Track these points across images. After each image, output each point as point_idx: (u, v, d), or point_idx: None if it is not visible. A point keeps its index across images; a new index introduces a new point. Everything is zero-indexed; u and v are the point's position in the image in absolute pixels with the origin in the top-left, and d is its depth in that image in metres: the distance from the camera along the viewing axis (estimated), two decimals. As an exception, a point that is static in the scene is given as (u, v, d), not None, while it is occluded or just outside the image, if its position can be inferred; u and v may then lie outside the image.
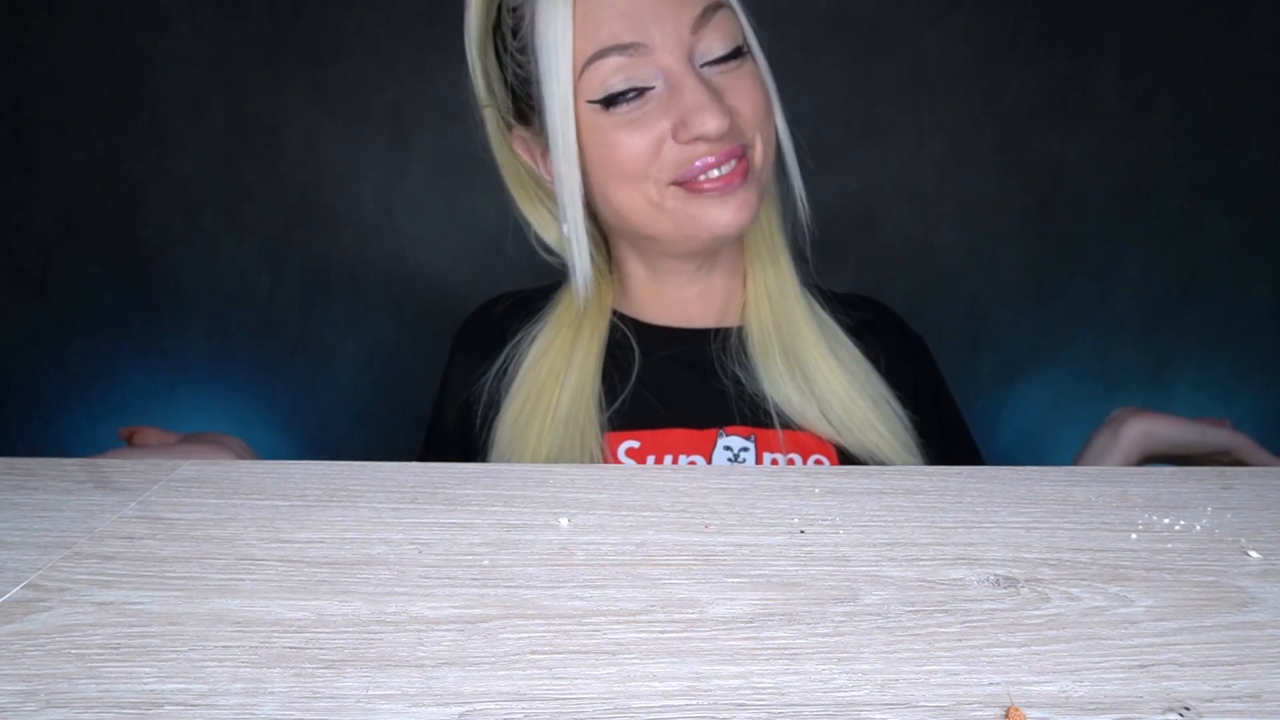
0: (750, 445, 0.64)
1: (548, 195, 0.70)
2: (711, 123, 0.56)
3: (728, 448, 0.64)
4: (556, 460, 0.62)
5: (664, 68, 0.58)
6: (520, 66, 0.61)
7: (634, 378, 0.66)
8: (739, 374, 0.65)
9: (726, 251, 0.68)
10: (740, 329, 0.68)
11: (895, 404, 0.65)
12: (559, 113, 0.58)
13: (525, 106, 0.63)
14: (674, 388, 0.66)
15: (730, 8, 0.60)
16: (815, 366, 0.65)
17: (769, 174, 0.64)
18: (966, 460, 0.71)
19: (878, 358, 0.68)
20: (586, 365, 0.65)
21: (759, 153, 0.61)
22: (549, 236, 0.70)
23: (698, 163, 0.58)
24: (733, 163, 0.59)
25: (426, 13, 1.54)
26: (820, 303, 0.69)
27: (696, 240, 0.62)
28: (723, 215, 0.59)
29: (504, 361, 0.67)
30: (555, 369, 0.65)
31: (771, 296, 0.67)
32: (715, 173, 0.59)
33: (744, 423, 0.64)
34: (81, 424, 1.70)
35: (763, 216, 0.67)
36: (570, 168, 0.60)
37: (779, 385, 0.64)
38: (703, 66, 0.59)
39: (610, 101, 0.58)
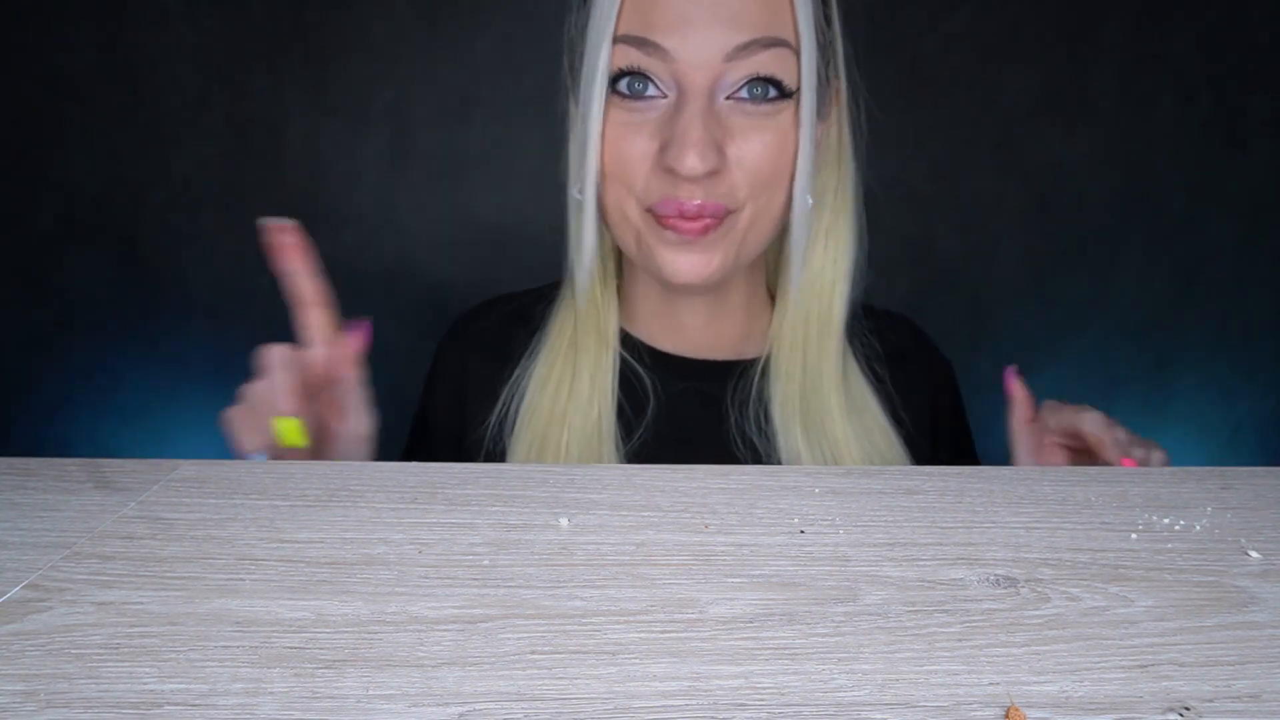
0: None
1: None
2: (688, 160, 0.51)
3: None
4: None
5: (679, 81, 0.53)
6: (577, 24, 0.58)
7: (649, 414, 0.62)
8: (753, 418, 0.62)
9: (746, 279, 0.63)
10: (763, 366, 0.63)
11: (907, 455, 0.63)
12: (584, 83, 0.55)
13: (573, 66, 0.60)
14: (686, 423, 0.62)
15: (791, 49, 0.53)
16: (833, 435, 0.61)
17: (759, 241, 0.58)
18: None
19: (899, 387, 0.65)
20: (594, 400, 0.61)
21: (745, 218, 0.56)
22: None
23: (670, 204, 0.54)
24: (705, 220, 0.54)
25: (426, 13, 1.54)
26: (853, 338, 0.65)
27: (651, 273, 0.58)
28: (676, 262, 0.55)
29: (503, 405, 0.63)
30: (558, 408, 0.61)
31: (807, 351, 0.62)
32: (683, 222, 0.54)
33: (757, 463, 0.62)
34: (82, 424, 1.70)
35: (814, 280, 0.62)
36: (592, 136, 0.55)
37: (793, 443, 0.61)
38: (728, 99, 0.54)
39: (615, 81, 0.54)
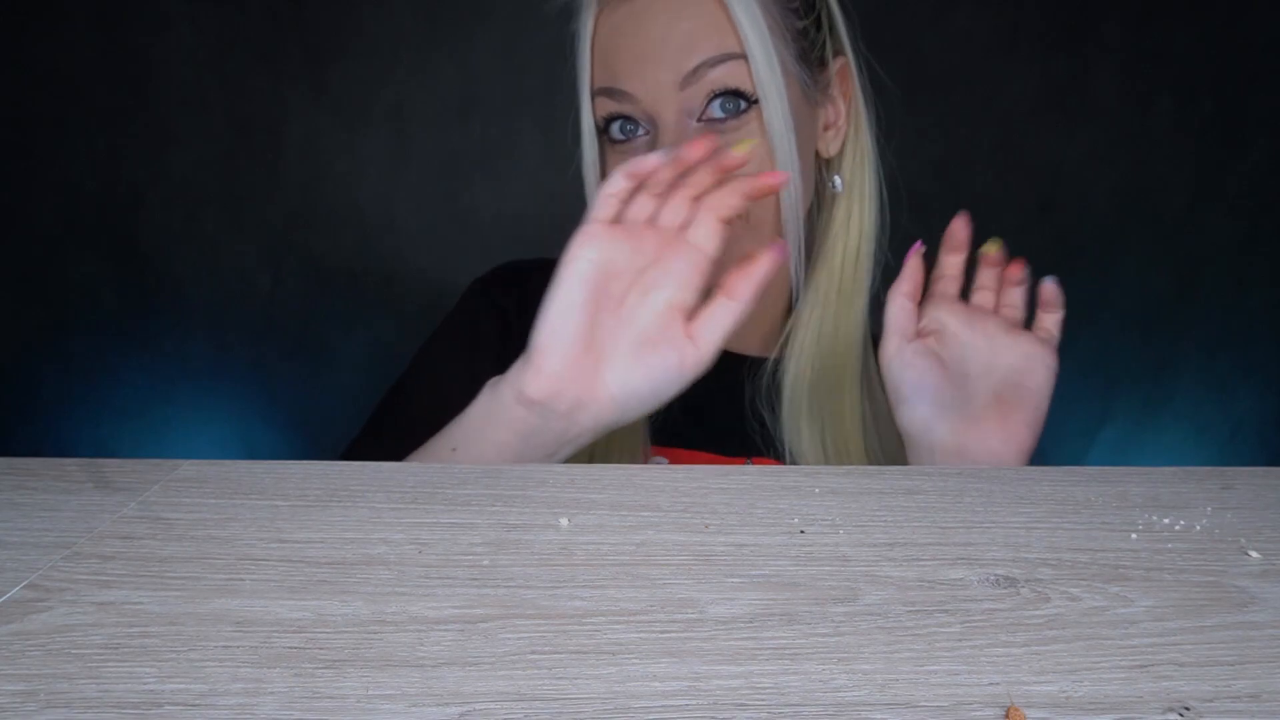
0: None
1: None
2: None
3: None
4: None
5: (652, 117, 0.57)
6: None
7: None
8: (767, 413, 0.63)
9: (778, 279, 0.65)
10: (779, 363, 0.64)
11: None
12: (582, 133, 0.60)
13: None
14: (706, 411, 0.63)
15: (743, 59, 0.56)
16: (842, 432, 0.62)
17: (774, 229, 0.60)
18: None
19: None
20: None
21: (752, 216, 0.58)
22: None
23: None
24: None
25: (427, 13, 1.54)
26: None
27: None
28: None
29: None
30: None
31: (822, 344, 0.63)
32: None
33: (771, 455, 0.63)
34: (81, 424, 1.70)
35: (838, 254, 0.63)
36: (589, 183, 0.61)
37: (800, 440, 0.62)
38: (700, 121, 0.57)
39: (607, 128, 0.59)
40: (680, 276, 0.48)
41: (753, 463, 0.64)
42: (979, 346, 0.55)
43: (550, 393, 0.48)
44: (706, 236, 0.49)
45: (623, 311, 0.49)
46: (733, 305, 0.50)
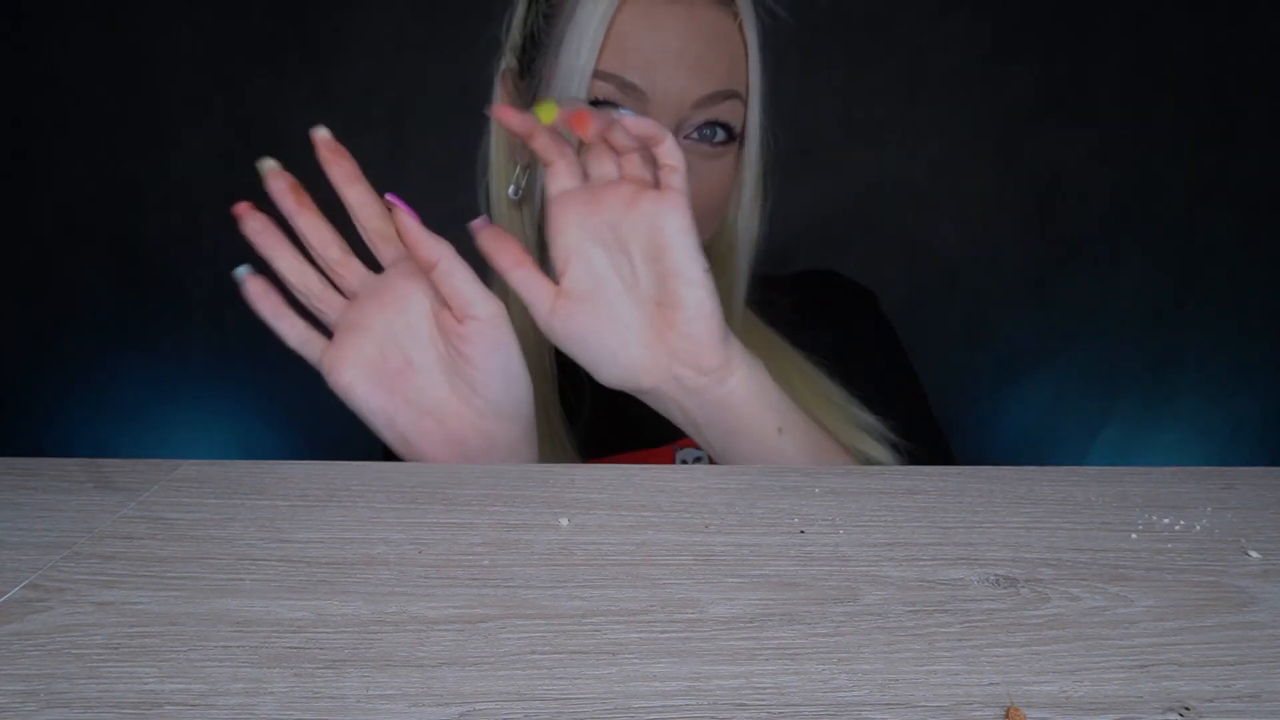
0: (704, 455, 0.63)
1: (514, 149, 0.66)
2: None
3: (683, 461, 0.63)
4: None
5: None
6: (544, 28, 0.60)
7: (587, 396, 0.63)
8: None
9: None
10: None
11: (834, 407, 0.63)
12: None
13: (528, 59, 0.63)
14: (619, 409, 0.62)
15: (741, 100, 0.59)
16: None
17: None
18: (914, 418, 0.67)
19: (815, 332, 0.66)
20: (540, 389, 0.60)
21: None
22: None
23: None
24: None
25: (426, 13, 1.54)
26: (758, 310, 0.66)
27: None
28: None
29: None
30: None
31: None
32: None
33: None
34: (81, 424, 1.70)
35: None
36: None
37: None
38: (685, 138, 0.58)
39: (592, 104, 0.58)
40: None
41: (680, 445, 0.63)
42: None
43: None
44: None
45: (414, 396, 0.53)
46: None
